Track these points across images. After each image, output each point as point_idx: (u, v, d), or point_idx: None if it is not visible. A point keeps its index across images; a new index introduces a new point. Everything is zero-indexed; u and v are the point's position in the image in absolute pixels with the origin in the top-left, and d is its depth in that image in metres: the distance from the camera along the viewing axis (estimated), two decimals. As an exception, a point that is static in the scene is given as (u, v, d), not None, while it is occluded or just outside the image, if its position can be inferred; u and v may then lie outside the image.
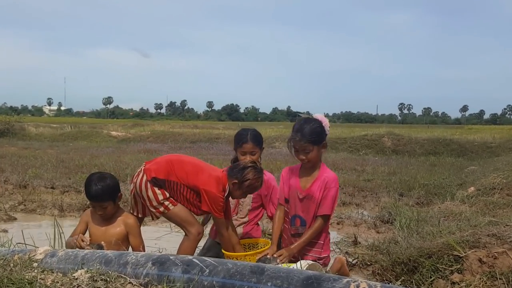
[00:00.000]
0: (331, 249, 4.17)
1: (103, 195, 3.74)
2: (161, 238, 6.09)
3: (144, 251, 3.93)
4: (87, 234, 3.86)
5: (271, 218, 4.30)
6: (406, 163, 15.80)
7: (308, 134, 3.72)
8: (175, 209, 3.98)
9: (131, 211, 4.07)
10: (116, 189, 3.86)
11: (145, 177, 3.90)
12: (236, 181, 3.88)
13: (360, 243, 5.73)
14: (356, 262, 4.92)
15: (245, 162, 4.00)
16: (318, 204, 3.77)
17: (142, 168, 4.00)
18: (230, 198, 4.07)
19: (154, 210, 3.95)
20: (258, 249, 3.98)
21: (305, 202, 3.81)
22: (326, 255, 3.88)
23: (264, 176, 4.05)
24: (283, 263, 3.58)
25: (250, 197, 4.23)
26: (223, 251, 3.95)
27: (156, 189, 3.90)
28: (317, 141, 3.74)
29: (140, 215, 4.06)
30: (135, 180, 3.98)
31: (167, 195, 3.93)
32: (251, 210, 4.36)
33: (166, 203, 3.94)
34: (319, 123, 3.81)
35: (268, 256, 3.64)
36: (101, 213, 3.83)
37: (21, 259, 3.05)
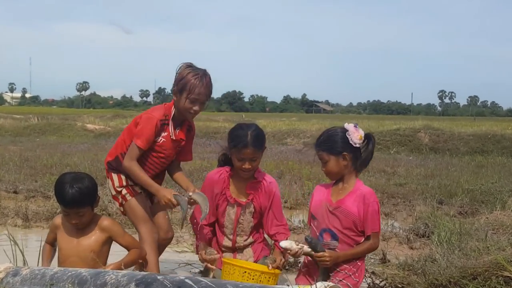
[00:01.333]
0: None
1: (81, 199, 3.73)
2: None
3: (143, 249, 4.10)
4: (67, 246, 3.88)
5: (271, 237, 4.40)
6: (446, 164, 15.74)
7: (322, 141, 4.07)
8: (131, 201, 4.29)
9: None
10: (95, 192, 3.89)
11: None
12: (175, 88, 4.22)
13: (389, 261, 5.73)
14: (385, 285, 4.92)
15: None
16: (354, 220, 3.94)
17: None
18: (227, 218, 4.27)
19: (115, 202, 4.31)
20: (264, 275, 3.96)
21: (335, 214, 3.99)
22: (358, 280, 3.99)
23: (263, 180, 4.15)
24: (324, 266, 3.87)
25: (250, 213, 4.29)
26: (222, 259, 4.00)
27: (112, 173, 4.23)
28: (333, 150, 3.99)
29: None
30: None
31: (124, 182, 4.22)
32: (254, 228, 4.45)
33: (124, 192, 4.25)
34: (341, 131, 4.04)
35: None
36: (75, 222, 3.83)
37: (-23, 278, 3.07)
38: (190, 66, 4.30)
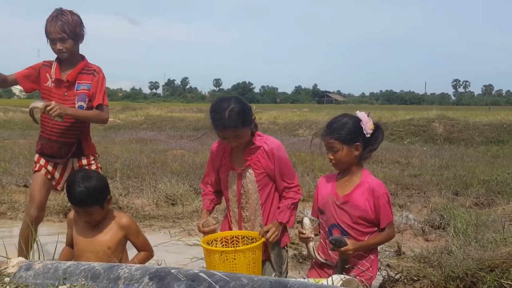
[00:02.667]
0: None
1: (88, 199, 3.74)
2: (158, 246, 6.13)
3: (152, 251, 4.09)
4: (82, 241, 3.92)
5: (280, 194, 4.19)
6: (461, 154, 15.70)
7: (335, 129, 3.91)
8: (33, 176, 4.84)
9: None
10: (104, 192, 3.87)
11: None
12: None
13: (404, 253, 5.73)
14: (400, 277, 4.92)
15: None
16: (363, 214, 3.89)
17: None
18: (230, 190, 4.16)
19: None
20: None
21: (344, 209, 3.94)
22: (372, 275, 3.97)
23: (264, 144, 4.01)
24: (345, 257, 3.83)
25: (252, 182, 4.09)
26: (202, 244, 3.85)
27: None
28: (346, 140, 3.87)
29: None
30: None
31: (36, 157, 4.78)
32: (261, 192, 4.14)
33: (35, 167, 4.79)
34: (354, 120, 3.94)
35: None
36: (85, 220, 3.86)
37: (-10, 272, 3.09)
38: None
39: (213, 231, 4.01)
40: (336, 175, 4.11)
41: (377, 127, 4.00)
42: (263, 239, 3.88)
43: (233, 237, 4.01)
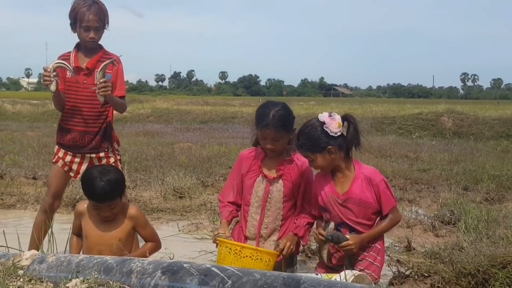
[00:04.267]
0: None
1: (112, 192, 3.78)
2: (166, 239, 6.14)
3: (159, 242, 4.12)
4: (94, 234, 3.93)
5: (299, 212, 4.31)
6: (471, 149, 15.64)
7: (302, 142, 4.00)
8: (51, 167, 4.92)
9: None
10: (123, 182, 3.95)
11: None
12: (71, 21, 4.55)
13: (414, 249, 5.71)
14: (411, 273, 4.91)
15: None
16: (367, 206, 3.92)
17: None
18: (254, 195, 4.20)
19: None
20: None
21: (347, 207, 3.97)
22: (379, 265, 3.96)
23: (296, 160, 4.13)
24: (349, 254, 3.85)
25: (279, 191, 4.23)
26: (218, 239, 3.97)
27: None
28: (316, 148, 3.92)
29: None
30: None
31: (56, 149, 4.82)
32: (283, 219, 4.28)
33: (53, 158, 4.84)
34: (317, 126, 3.98)
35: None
36: (108, 215, 3.87)
37: (3, 265, 3.12)
38: None
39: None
40: (330, 173, 4.11)
41: (345, 120, 4.00)
42: (277, 252, 3.98)
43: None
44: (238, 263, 3.64)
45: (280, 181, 4.19)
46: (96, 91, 4.40)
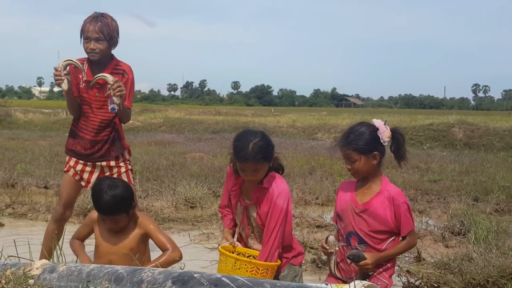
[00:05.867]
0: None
1: (115, 207, 3.81)
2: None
3: (176, 251, 4.01)
4: (105, 244, 3.95)
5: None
6: (482, 160, 15.58)
7: (353, 140, 3.89)
8: (62, 177, 5.01)
9: None
10: (130, 200, 3.94)
11: None
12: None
13: (424, 259, 5.71)
14: (420, 284, 4.92)
15: None
16: (382, 222, 3.89)
17: None
18: (237, 215, 4.16)
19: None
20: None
21: (362, 217, 3.93)
22: (388, 283, 3.96)
23: (271, 188, 3.97)
24: (365, 272, 3.81)
25: (254, 218, 4.10)
26: (219, 248, 3.94)
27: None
28: (364, 150, 3.87)
29: None
30: None
31: (67, 158, 4.86)
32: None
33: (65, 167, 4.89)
34: (371, 129, 3.93)
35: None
36: (111, 227, 3.92)
37: (14, 274, 3.13)
38: None
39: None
40: (356, 182, 4.09)
41: (394, 133, 4.00)
42: (278, 262, 3.95)
43: (250, 255, 4.04)
44: (233, 273, 3.65)
45: (255, 208, 4.06)
46: (111, 94, 4.42)
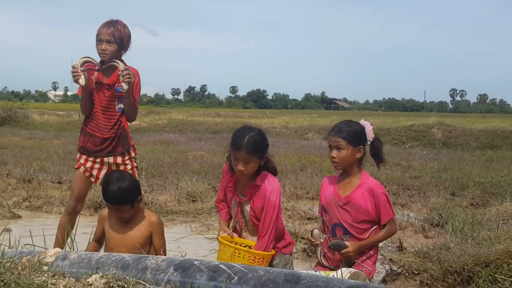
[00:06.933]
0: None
1: (120, 198, 3.83)
2: (180, 240, 6.15)
3: (165, 254, 4.01)
4: (115, 236, 3.95)
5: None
6: (458, 158, 15.61)
7: (344, 130, 3.95)
8: (74, 174, 4.91)
9: None
10: (135, 193, 3.95)
11: None
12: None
13: (406, 249, 5.71)
14: (402, 271, 4.91)
15: None
16: (364, 213, 3.92)
17: None
18: (232, 210, 4.13)
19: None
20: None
21: (346, 209, 3.96)
22: (371, 270, 3.97)
23: (263, 185, 3.93)
24: (348, 259, 3.86)
25: (248, 214, 4.07)
26: (219, 238, 3.96)
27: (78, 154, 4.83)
28: (353, 141, 3.93)
29: None
30: None
31: (78, 156, 4.82)
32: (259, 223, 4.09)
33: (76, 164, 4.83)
34: (360, 126, 4.03)
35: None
36: (117, 216, 3.94)
37: (29, 261, 3.12)
38: None
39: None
40: (338, 177, 4.14)
41: (374, 140, 4.07)
42: (272, 252, 3.94)
43: (246, 245, 4.01)
44: (231, 261, 3.64)
45: (248, 204, 4.03)
46: (121, 79, 4.40)
